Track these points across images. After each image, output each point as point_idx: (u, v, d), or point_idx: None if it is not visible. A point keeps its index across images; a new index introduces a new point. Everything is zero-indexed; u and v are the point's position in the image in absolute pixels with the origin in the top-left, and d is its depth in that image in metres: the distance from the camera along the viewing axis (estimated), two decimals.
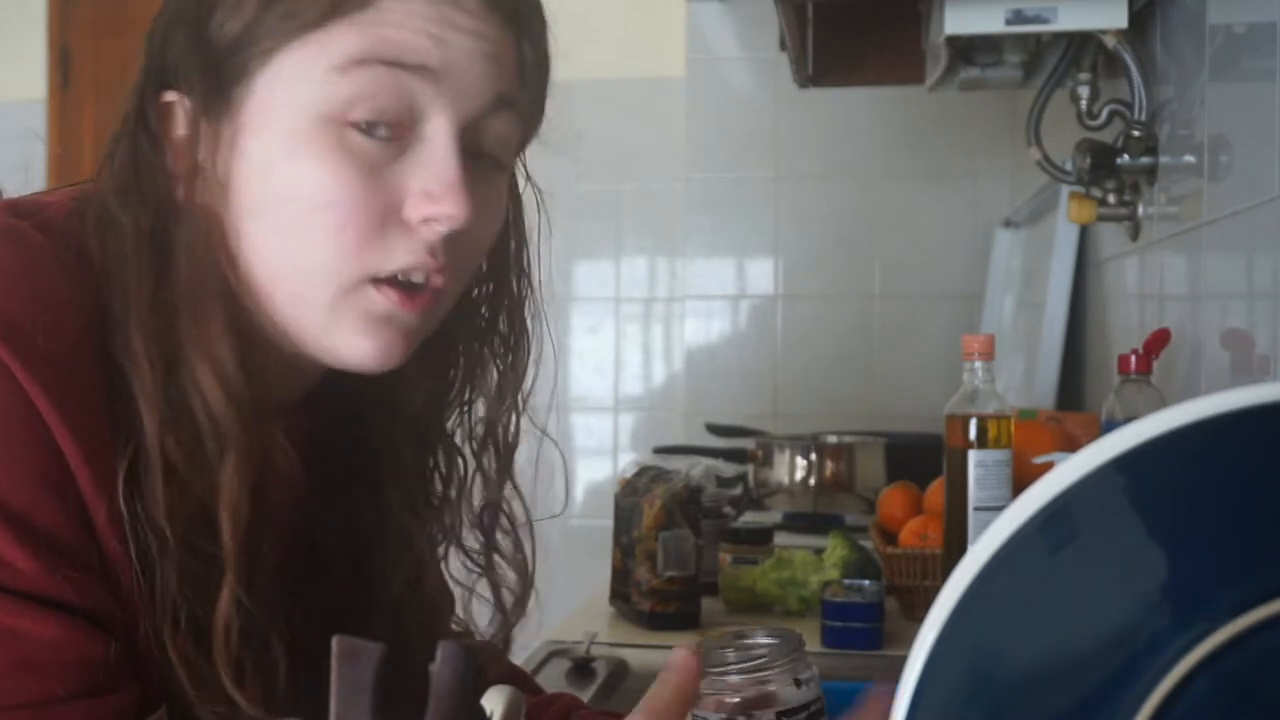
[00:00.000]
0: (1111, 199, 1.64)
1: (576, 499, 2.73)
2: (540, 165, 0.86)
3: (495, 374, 0.84)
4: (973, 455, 1.27)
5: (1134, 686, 0.39)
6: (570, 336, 2.83)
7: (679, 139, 2.77)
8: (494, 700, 0.48)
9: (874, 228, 2.71)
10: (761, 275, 2.77)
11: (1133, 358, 1.32)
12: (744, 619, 1.50)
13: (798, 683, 0.77)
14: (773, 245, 2.76)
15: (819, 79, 2.09)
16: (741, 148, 2.75)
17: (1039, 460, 1.29)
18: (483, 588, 0.85)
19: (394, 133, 0.70)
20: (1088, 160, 1.57)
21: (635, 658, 1.37)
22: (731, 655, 0.78)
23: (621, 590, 1.52)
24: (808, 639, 0.86)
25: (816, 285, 2.74)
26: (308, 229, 0.69)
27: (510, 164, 0.78)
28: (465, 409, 0.85)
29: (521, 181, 0.84)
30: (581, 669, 1.32)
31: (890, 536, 1.57)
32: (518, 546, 0.85)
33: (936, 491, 1.48)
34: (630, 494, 1.53)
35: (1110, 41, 1.53)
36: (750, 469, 2.21)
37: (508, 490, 0.85)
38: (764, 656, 0.78)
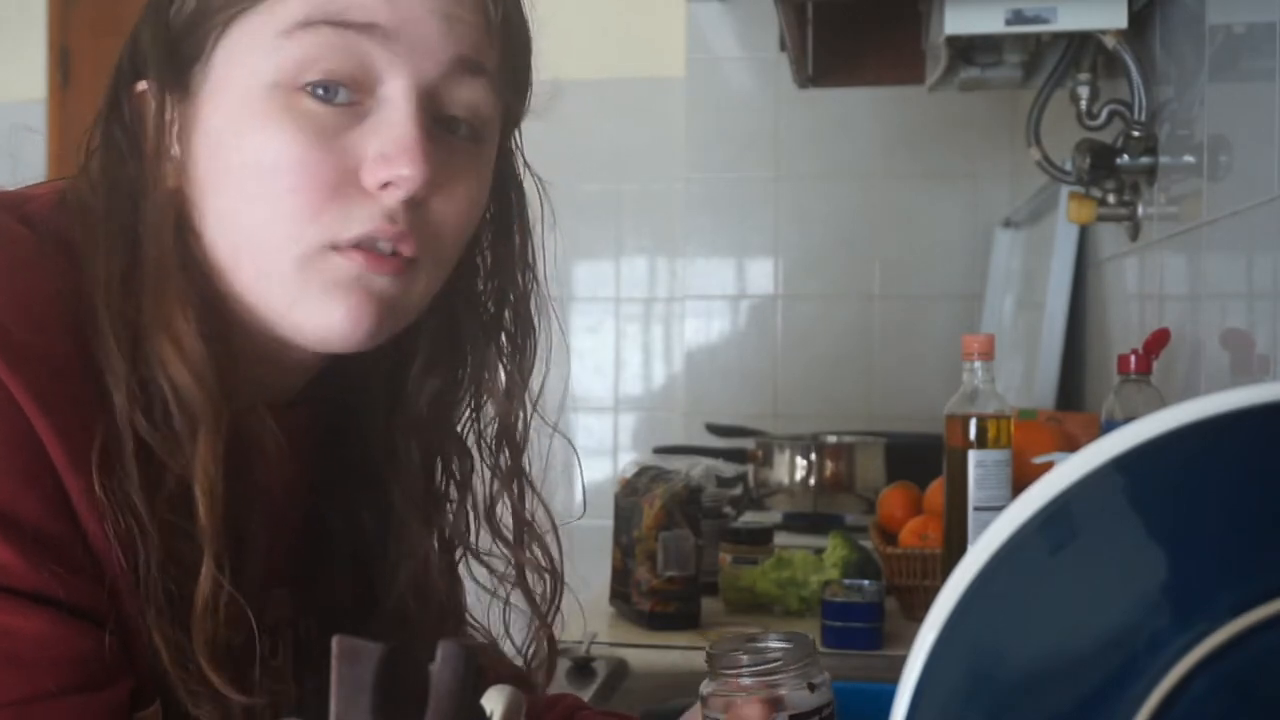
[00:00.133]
0: (1111, 199, 1.64)
1: (576, 500, 2.73)
2: (540, 165, 0.86)
3: (503, 372, 0.83)
4: (973, 455, 1.27)
5: (1134, 686, 0.39)
6: (570, 336, 2.82)
7: (679, 139, 2.77)
8: (494, 700, 0.48)
9: (874, 228, 2.71)
10: (761, 275, 2.77)
11: (1132, 358, 1.32)
12: (744, 619, 1.50)
13: (811, 687, 0.77)
14: (773, 245, 2.76)
15: (819, 79, 2.09)
16: (741, 148, 2.75)
17: (1039, 460, 1.29)
18: (514, 596, 0.84)
19: (353, 96, 0.69)
20: (1087, 160, 1.57)
21: (635, 658, 1.38)
22: (744, 658, 0.78)
23: (621, 590, 1.52)
24: None
25: (816, 285, 2.74)
26: (260, 198, 0.69)
27: (490, 137, 0.76)
28: (475, 409, 0.84)
29: (522, 172, 0.83)
30: (581, 669, 1.32)
31: (890, 536, 1.57)
32: (545, 552, 0.84)
33: (936, 491, 1.48)
34: (630, 494, 1.53)
35: (1110, 41, 1.53)
36: (750, 469, 2.21)
37: (530, 497, 0.84)
38: (778, 660, 0.78)
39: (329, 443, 0.84)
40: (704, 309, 2.79)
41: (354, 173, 0.69)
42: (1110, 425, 1.32)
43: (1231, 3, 1.24)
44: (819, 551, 1.56)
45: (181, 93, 0.71)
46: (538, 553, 0.84)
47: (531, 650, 0.86)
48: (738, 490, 2.18)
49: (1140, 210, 1.61)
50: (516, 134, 0.83)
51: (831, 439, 2.17)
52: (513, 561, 0.84)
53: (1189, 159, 1.38)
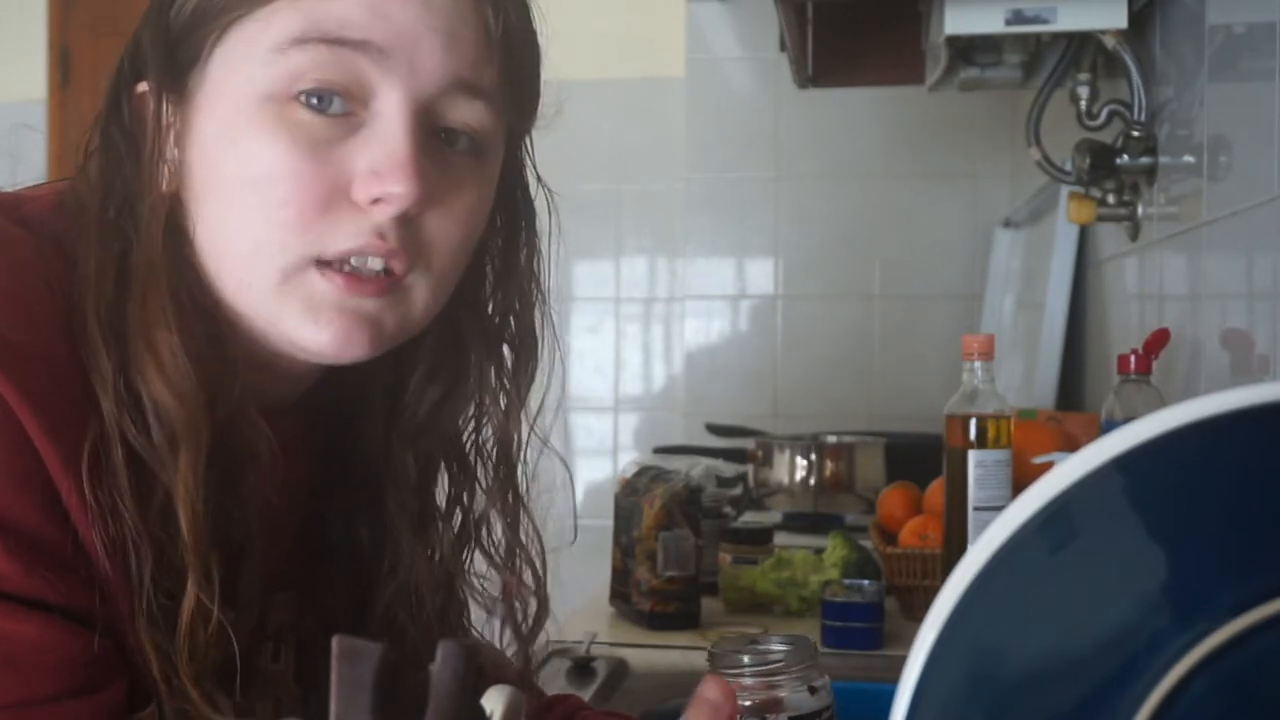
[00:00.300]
0: (1111, 199, 1.64)
1: (577, 499, 2.73)
2: (540, 165, 0.85)
3: (506, 385, 0.82)
4: (973, 455, 1.27)
5: (1134, 686, 0.39)
6: (570, 336, 2.83)
7: (679, 139, 2.77)
8: (494, 700, 0.48)
9: (874, 228, 2.71)
10: (761, 275, 2.77)
11: (1132, 358, 1.32)
12: (744, 619, 1.50)
13: (811, 689, 0.78)
14: (773, 245, 2.76)
15: (819, 79, 2.09)
16: (741, 148, 2.75)
17: (1039, 460, 1.29)
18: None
19: (347, 106, 0.68)
20: (1087, 160, 1.57)
21: (635, 657, 1.37)
22: (746, 658, 0.78)
23: (621, 590, 1.52)
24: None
25: (816, 285, 2.74)
26: (249, 208, 0.68)
27: (492, 149, 0.75)
28: (476, 422, 0.83)
29: (532, 183, 0.82)
30: (581, 669, 1.32)
31: (890, 536, 1.57)
32: (535, 575, 0.83)
33: (936, 491, 1.48)
34: (630, 494, 1.53)
35: (1110, 42, 1.53)
36: (750, 469, 2.21)
37: (523, 519, 0.82)
38: (779, 661, 0.78)
39: (328, 448, 0.83)
40: (704, 309, 2.79)
41: (345, 187, 0.68)
42: (1110, 425, 1.32)
43: (1231, 3, 1.24)
44: (819, 551, 1.56)
45: (179, 96, 0.70)
46: (526, 575, 0.83)
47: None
48: (738, 490, 2.18)
49: (1140, 210, 1.61)
50: (527, 142, 0.82)
51: (831, 439, 2.17)
52: (501, 582, 0.83)
53: (1189, 159, 1.38)
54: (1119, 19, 1.48)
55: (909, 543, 1.51)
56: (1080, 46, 1.68)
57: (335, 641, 0.40)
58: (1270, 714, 0.38)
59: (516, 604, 0.83)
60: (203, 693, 0.65)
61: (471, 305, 0.81)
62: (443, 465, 0.84)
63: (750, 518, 2.02)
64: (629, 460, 2.35)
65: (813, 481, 2.12)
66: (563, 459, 0.86)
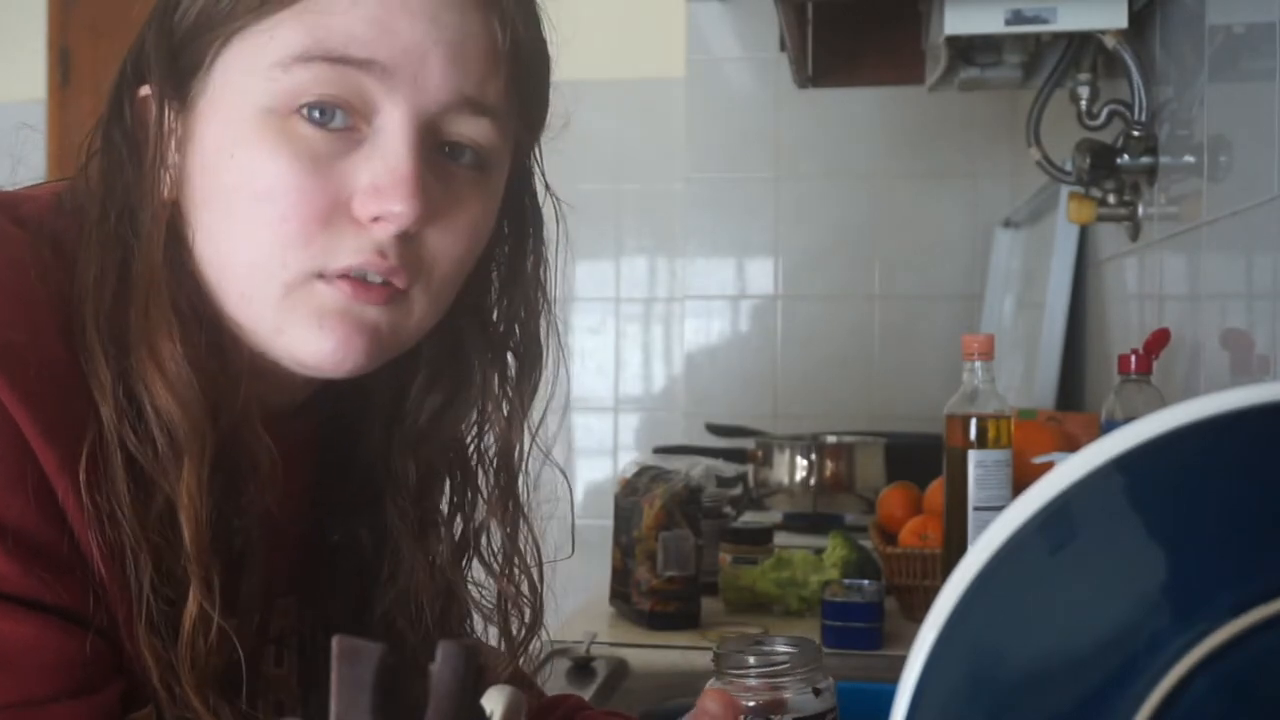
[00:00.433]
0: (1111, 199, 1.64)
1: (577, 499, 2.73)
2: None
3: (509, 393, 0.81)
4: (973, 455, 1.27)
5: (1134, 686, 0.39)
6: (571, 336, 2.83)
7: (679, 139, 2.77)
8: (494, 700, 0.48)
9: (874, 228, 2.71)
10: (761, 275, 2.77)
11: (1132, 358, 1.32)
12: (744, 619, 1.50)
13: (816, 691, 0.78)
14: (773, 245, 2.76)
15: (819, 79, 2.09)
16: (741, 148, 2.75)
17: (1039, 460, 1.29)
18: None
19: (349, 120, 0.67)
20: (1087, 160, 1.57)
21: (635, 657, 1.38)
22: (751, 659, 0.79)
23: (621, 590, 1.52)
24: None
25: (816, 285, 2.74)
26: (250, 221, 0.67)
27: (498, 162, 0.73)
28: (478, 430, 0.82)
29: (541, 191, 0.81)
30: (581, 669, 1.32)
31: (890, 536, 1.57)
32: (532, 585, 0.82)
33: (936, 491, 1.48)
34: (630, 494, 1.53)
35: (1110, 41, 1.53)
36: (750, 469, 2.21)
37: (523, 529, 0.82)
38: (784, 663, 0.78)
39: (330, 454, 0.83)
40: (704, 309, 2.79)
41: (346, 203, 0.67)
42: (1110, 425, 1.32)
43: (1231, 3, 1.24)
44: (819, 551, 1.56)
45: (181, 103, 0.69)
46: (523, 585, 0.82)
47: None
48: (738, 490, 2.18)
49: (1140, 210, 1.61)
50: (536, 150, 0.80)
51: (831, 439, 2.17)
52: (498, 602, 0.82)
53: (1189, 159, 1.38)
54: (1119, 19, 1.48)
55: (909, 543, 1.51)
56: (1080, 46, 1.68)
57: (335, 641, 0.40)
58: (1270, 714, 0.38)
59: (512, 614, 0.82)
60: (205, 701, 0.65)
61: (475, 312, 0.80)
62: (458, 476, 0.83)
63: (750, 518, 2.02)
64: (629, 460, 2.34)
65: (813, 481, 2.12)
66: (563, 471, 0.85)
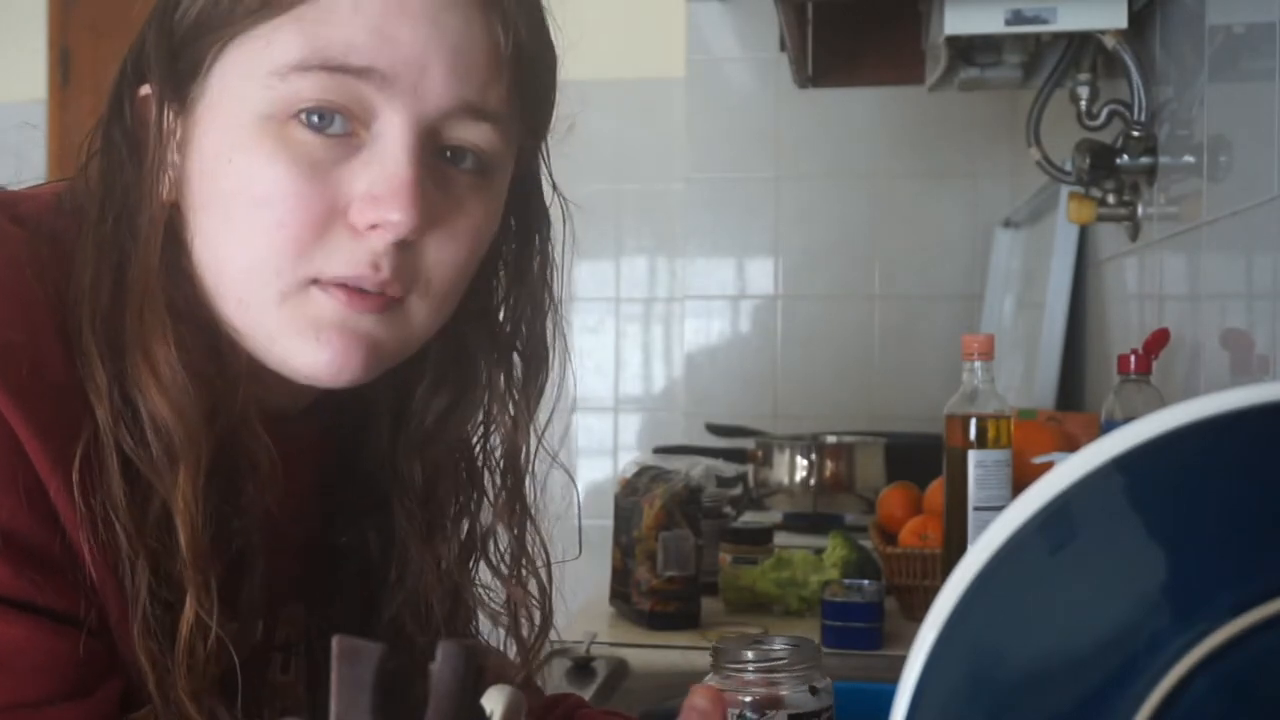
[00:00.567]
0: (1111, 199, 1.64)
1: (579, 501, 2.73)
2: None
3: (515, 394, 0.80)
4: (973, 455, 1.27)
5: (1134, 686, 0.39)
6: (571, 336, 2.82)
7: (679, 139, 2.77)
8: (494, 700, 0.48)
9: (874, 228, 2.71)
10: (761, 275, 2.77)
11: (1132, 358, 1.32)
12: (744, 619, 1.50)
13: (813, 690, 0.78)
14: (773, 245, 2.76)
15: (819, 79, 2.09)
16: (741, 148, 2.75)
17: (1039, 460, 1.29)
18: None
19: (348, 126, 0.66)
20: (1087, 160, 1.57)
21: (635, 657, 1.38)
22: (749, 654, 0.79)
23: (621, 590, 1.52)
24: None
25: (816, 285, 2.74)
26: (247, 227, 0.66)
27: (500, 166, 0.72)
28: (484, 432, 0.81)
29: (548, 191, 0.81)
30: (581, 669, 1.32)
31: (890, 536, 1.57)
32: (540, 586, 0.82)
33: (936, 491, 1.48)
34: (630, 494, 1.53)
35: (1110, 42, 1.53)
36: (750, 469, 2.21)
37: (530, 531, 0.81)
38: (782, 659, 0.78)
39: (335, 456, 0.82)
40: (704, 309, 2.79)
41: (343, 209, 0.66)
42: (1110, 425, 1.32)
43: (1231, 3, 1.24)
44: (819, 551, 1.56)
45: (180, 105, 0.69)
46: (531, 587, 0.82)
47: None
48: (738, 490, 2.18)
49: (1140, 210, 1.61)
50: (543, 149, 0.79)
51: (831, 439, 2.17)
52: (508, 605, 0.82)
53: (1189, 159, 1.38)
54: (1119, 19, 1.48)
55: (909, 543, 1.51)
56: (1080, 46, 1.68)
57: (335, 641, 0.40)
58: (1270, 714, 0.38)
59: (521, 617, 0.82)
60: (200, 708, 0.64)
61: (481, 313, 0.79)
62: (464, 479, 0.82)
63: (750, 518, 2.02)
64: (629, 460, 2.34)
65: (813, 481, 2.12)
66: (569, 473, 0.85)
